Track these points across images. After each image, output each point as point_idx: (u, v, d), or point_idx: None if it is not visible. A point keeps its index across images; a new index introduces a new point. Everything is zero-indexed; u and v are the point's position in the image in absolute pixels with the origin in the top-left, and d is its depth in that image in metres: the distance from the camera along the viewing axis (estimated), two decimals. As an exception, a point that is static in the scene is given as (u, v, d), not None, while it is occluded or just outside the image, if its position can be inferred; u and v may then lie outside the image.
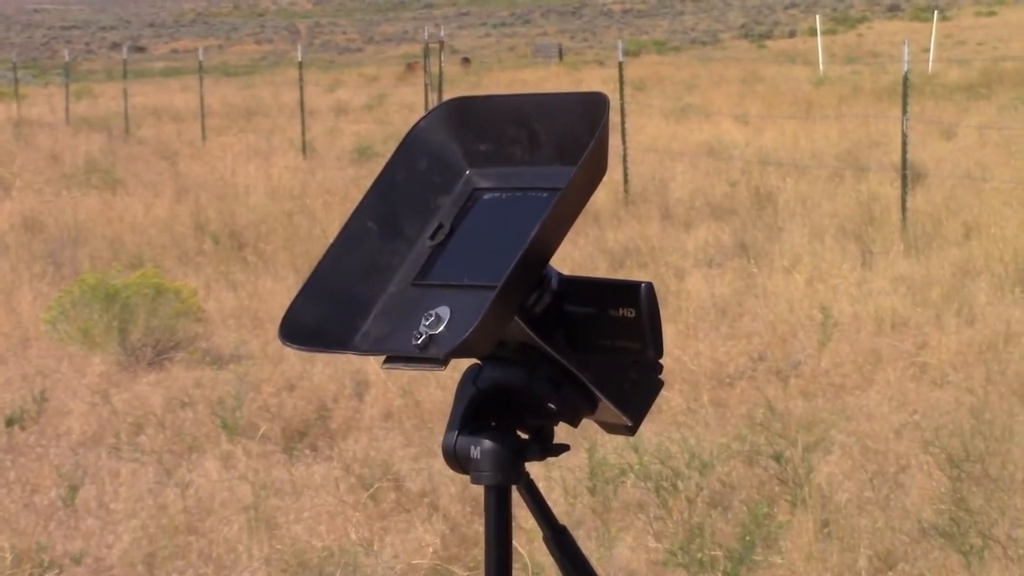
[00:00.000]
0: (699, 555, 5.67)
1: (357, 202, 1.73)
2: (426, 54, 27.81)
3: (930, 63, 31.17)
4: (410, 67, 39.79)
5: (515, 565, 1.93)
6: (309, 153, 20.55)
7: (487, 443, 1.68)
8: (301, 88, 22.03)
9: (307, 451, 7.53)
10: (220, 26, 78.27)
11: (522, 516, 1.82)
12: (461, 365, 1.63)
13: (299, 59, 24.04)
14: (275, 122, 24.52)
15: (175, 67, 44.87)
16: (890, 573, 5.65)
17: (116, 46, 50.36)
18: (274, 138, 22.41)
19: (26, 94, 33.74)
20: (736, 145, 18.91)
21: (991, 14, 58.59)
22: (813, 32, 40.81)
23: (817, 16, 43.85)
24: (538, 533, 1.74)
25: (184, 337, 9.50)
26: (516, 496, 1.74)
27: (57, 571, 5.81)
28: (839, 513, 6.25)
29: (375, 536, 6.22)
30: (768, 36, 52.10)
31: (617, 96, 16.12)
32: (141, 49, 51.18)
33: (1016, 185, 13.67)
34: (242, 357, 9.38)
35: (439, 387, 7.10)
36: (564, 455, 1.72)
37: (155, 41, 61.23)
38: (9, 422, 7.81)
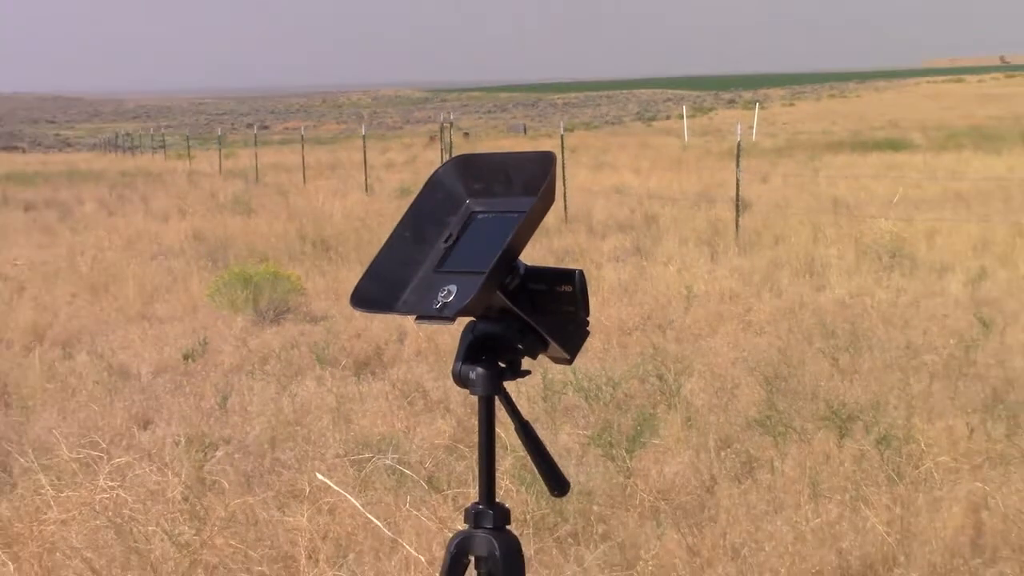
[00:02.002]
0: (609, 439, 7.96)
1: (398, 220, 2.47)
2: (441, 130, 38.78)
3: (753, 136, 42.97)
4: (432, 139, 53.37)
5: (497, 445, 2.60)
6: (369, 192, 28.37)
7: (480, 369, 2.40)
8: (364, 151, 31.90)
9: (368, 375, 10.53)
10: (314, 113, 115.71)
11: (501, 415, 2.47)
12: (463, 321, 2.36)
13: (363, 133, 36.17)
14: (348, 172, 34.45)
15: (287, 138, 64.31)
16: (728, 450, 7.87)
17: (250, 125, 73.34)
18: (348, 182, 31.34)
19: (195, 155, 49.89)
20: (633, 186, 26.44)
21: (791, 105, 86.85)
22: (681, 116, 57.54)
23: (684, 106, 66.21)
24: (511, 425, 2.44)
25: (292, 305, 13.47)
26: (498, 403, 2.49)
27: (215, 449, 8.26)
28: (697, 412, 8.74)
29: (411, 427, 8.75)
30: (654, 119, 73.63)
31: (560, 155, 21.03)
32: (266, 127, 76.52)
33: (806, 212, 20.25)
34: (328, 317, 13.08)
35: (450, 335, 9.48)
36: (527, 377, 2.42)
37: (274, 122, 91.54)
38: (185, 357, 11.28)
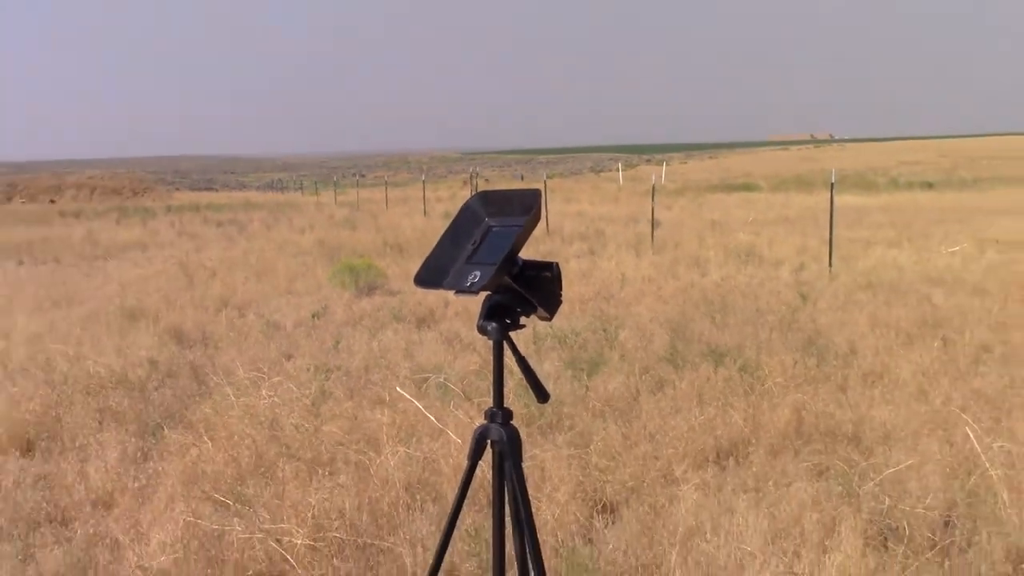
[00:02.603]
0: (573, 367, 8.44)
1: (443, 231, 2.68)
2: (471, 177, 51.37)
3: (662, 181, 47.65)
4: (464, 183, 60.01)
5: (504, 372, 2.69)
6: (426, 215, 30.67)
7: (494, 324, 2.52)
8: (423, 190, 37.71)
9: (425, 327, 11.20)
10: (392, 166, 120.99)
11: (507, 355, 2.63)
12: (484, 295, 2.62)
13: (423, 179, 43.98)
14: (413, 204, 37.59)
15: (376, 182, 69.03)
16: (647, 374, 8.22)
17: (354, 174, 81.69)
18: (413, 209, 34.02)
19: (320, 193, 56.76)
20: (588, 212, 29.66)
21: (685, 163, 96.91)
22: (618, 170, 69.01)
23: (620, 164, 77.42)
24: (515, 360, 2.70)
25: (379, 284, 14.52)
26: (505, 344, 2.71)
27: (331, 373, 8.75)
28: (628, 351, 9.15)
29: (452, 359, 9.13)
30: (601, 171, 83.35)
31: (544, 192, 25.03)
32: (363, 175, 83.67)
33: (694, 229, 22.32)
34: (400, 292, 13.92)
35: (475, 304, 10.11)
36: (523, 329, 2.57)
37: (368, 172, 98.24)
38: (313, 316, 12.18)
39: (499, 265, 2.33)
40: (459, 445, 6.22)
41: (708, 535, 5.08)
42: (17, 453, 6.94)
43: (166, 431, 7.04)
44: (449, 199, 39.90)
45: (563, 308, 2.59)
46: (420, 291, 12.21)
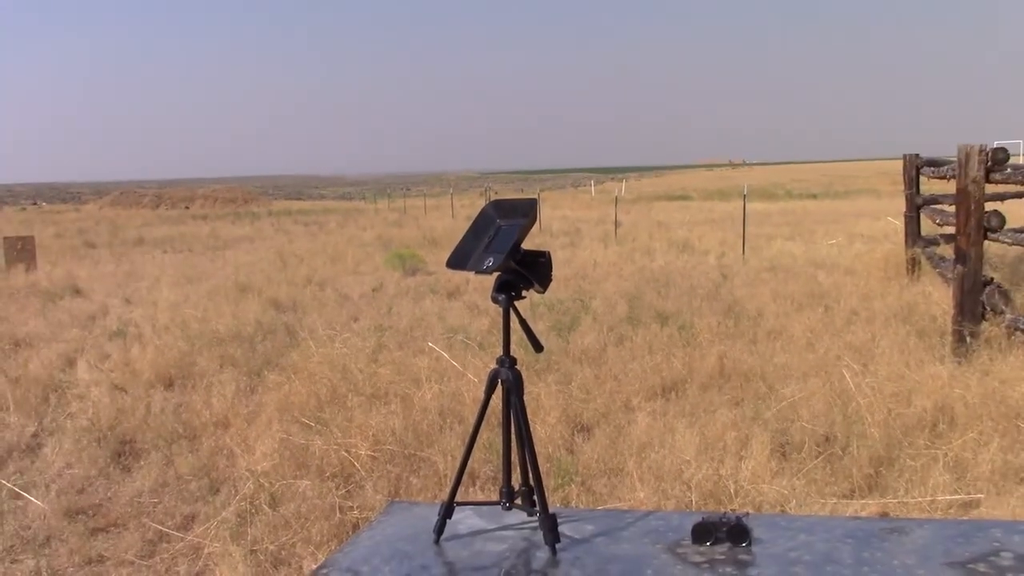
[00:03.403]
0: (559, 326, 8.40)
1: (466, 229, 2.46)
2: (486, 190, 52.43)
3: (623, 193, 46.42)
4: (481, 194, 58.07)
5: (511, 330, 2.52)
6: (454, 217, 29.82)
7: (503, 295, 2.37)
8: (452, 200, 38.98)
9: (453, 299, 11.06)
10: (431, 182, 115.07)
11: (512, 318, 2.44)
12: (496, 274, 2.40)
13: (451, 192, 46.42)
14: (444, 210, 35.56)
15: (418, 194, 66.06)
16: (611, 332, 8.16)
17: (401, 188, 77.69)
18: (444, 214, 32.64)
19: (377, 202, 51.62)
20: (569, 216, 28.63)
21: (640, 180, 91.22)
22: (590, 185, 67.06)
23: (592, 181, 79.07)
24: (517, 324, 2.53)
25: (420, 268, 14.30)
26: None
27: (386, 331, 8.56)
28: (598, 315, 9.05)
29: (472, 321, 9.05)
30: (580, 186, 79.20)
31: (539, 201, 23.06)
32: (408, 189, 79.63)
33: (645, 227, 21.78)
34: (435, 273, 13.59)
35: (490, 281, 10.56)
36: (523, 299, 2.41)
37: (412, 186, 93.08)
38: (373, 290, 12.11)
39: (507, 253, 2.28)
40: (476, 383, 6.24)
41: (657, 448, 5.08)
42: (162, 388, 7.04)
43: (267, 373, 7.07)
44: (470, 206, 40.28)
45: (552, 285, 2.56)
46: (449, 272, 11.89)
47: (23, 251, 16.38)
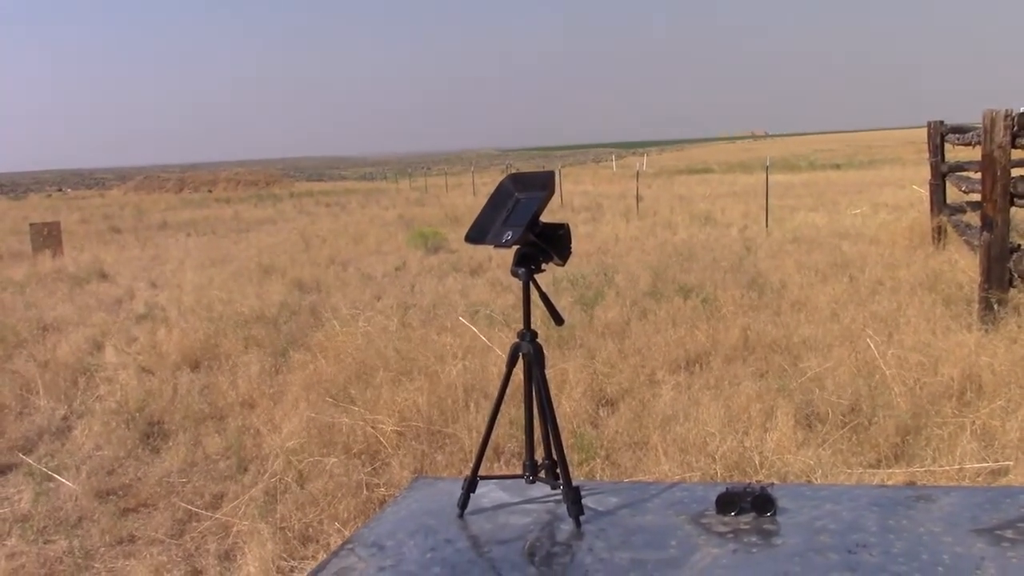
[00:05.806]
0: (583, 301, 8.36)
1: (485, 202, 2.46)
2: (506, 168, 49.84)
3: (644, 167, 45.18)
4: (502, 172, 66.74)
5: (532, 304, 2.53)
6: (475, 194, 30.41)
7: (523, 269, 2.34)
8: (472, 177, 38.58)
9: (476, 276, 11.06)
10: (452, 161, 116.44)
11: (533, 293, 2.45)
12: (515, 248, 2.37)
13: (472, 170, 43.89)
14: (465, 188, 35.72)
15: (439, 173, 67.79)
16: (635, 306, 8.14)
17: (422, 168, 77.05)
18: (465, 191, 32.98)
19: (399, 182, 51.88)
20: (590, 191, 28.79)
21: (661, 154, 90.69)
22: (611, 160, 67.65)
23: (613, 156, 78.53)
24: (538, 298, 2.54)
25: (442, 245, 14.36)
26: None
27: (409, 309, 8.63)
28: (621, 289, 9.05)
29: (495, 297, 9.13)
30: (600, 162, 78.66)
31: (558, 176, 22.74)
32: (430, 168, 78.56)
33: (667, 201, 21.70)
34: (457, 250, 13.70)
35: (510, 255, 10.22)
36: (543, 273, 2.38)
37: (433, 167, 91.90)
38: (395, 268, 12.04)
39: (526, 226, 2.25)
40: (500, 358, 6.17)
41: (681, 420, 5.06)
42: (188, 369, 7.08)
43: (291, 352, 7.08)
44: (491, 183, 39.69)
45: (572, 260, 2.51)
46: (472, 249, 12.67)
47: (49, 237, 16.66)
